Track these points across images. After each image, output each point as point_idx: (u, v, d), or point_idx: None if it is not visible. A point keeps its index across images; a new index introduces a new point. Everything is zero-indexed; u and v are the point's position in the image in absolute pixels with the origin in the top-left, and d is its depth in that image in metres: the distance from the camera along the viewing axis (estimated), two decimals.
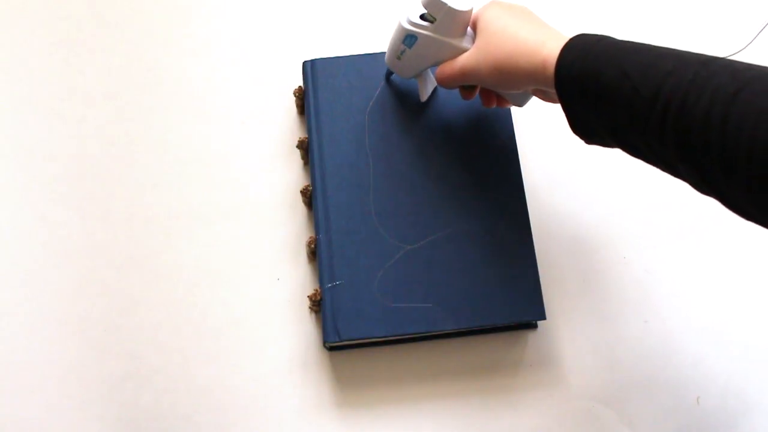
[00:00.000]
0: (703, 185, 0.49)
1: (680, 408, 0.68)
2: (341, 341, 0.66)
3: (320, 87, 0.73)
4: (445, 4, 0.62)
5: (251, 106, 0.78)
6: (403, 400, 0.68)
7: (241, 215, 0.74)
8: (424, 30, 0.64)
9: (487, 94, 0.68)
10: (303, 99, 0.75)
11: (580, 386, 0.68)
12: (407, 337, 0.68)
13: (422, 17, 0.64)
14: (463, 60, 0.63)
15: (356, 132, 0.72)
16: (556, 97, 0.56)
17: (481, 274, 0.67)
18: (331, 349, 0.69)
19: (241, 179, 0.75)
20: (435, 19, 0.63)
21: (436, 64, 0.66)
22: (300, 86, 0.75)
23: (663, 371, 0.69)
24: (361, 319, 0.66)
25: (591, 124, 0.55)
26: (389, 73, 0.73)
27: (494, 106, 0.68)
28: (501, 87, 0.64)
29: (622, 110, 0.51)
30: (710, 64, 0.48)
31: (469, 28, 0.64)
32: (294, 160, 0.75)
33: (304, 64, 0.75)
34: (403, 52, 0.66)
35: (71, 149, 0.76)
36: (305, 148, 0.73)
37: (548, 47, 0.56)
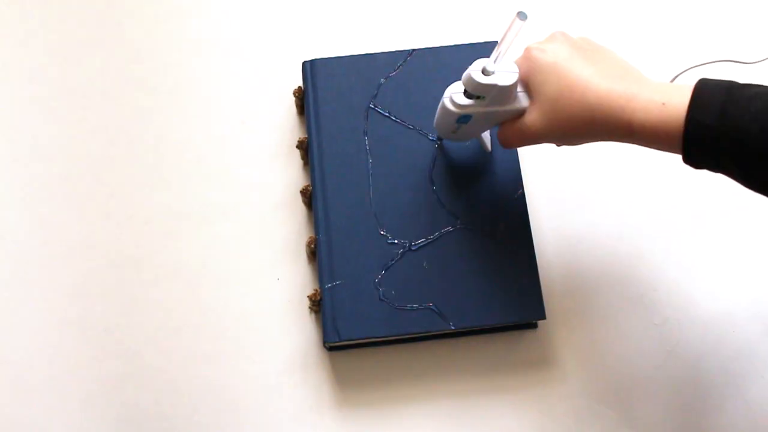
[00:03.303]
0: None
1: (680, 408, 0.68)
2: (341, 341, 0.66)
3: (320, 87, 0.73)
4: (495, 85, 0.57)
5: (251, 106, 0.78)
6: (403, 400, 0.68)
7: (241, 215, 0.74)
8: (476, 108, 0.60)
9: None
10: (303, 99, 0.75)
11: (580, 386, 0.68)
12: (407, 337, 0.68)
13: (468, 95, 0.60)
14: (530, 125, 0.57)
15: (356, 132, 0.72)
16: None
17: (481, 274, 0.67)
18: (331, 349, 0.69)
19: (241, 179, 0.75)
20: (485, 97, 0.59)
21: (497, 125, 0.63)
22: (300, 86, 0.75)
23: (663, 371, 0.69)
24: (361, 319, 0.66)
25: (718, 169, 0.51)
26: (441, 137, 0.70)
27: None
28: (568, 143, 0.58)
29: None
30: None
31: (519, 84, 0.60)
32: (294, 160, 0.76)
33: (304, 64, 0.75)
34: (458, 128, 0.63)
35: (71, 149, 0.76)
36: (305, 148, 0.73)
37: (634, 104, 0.51)
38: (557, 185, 0.75)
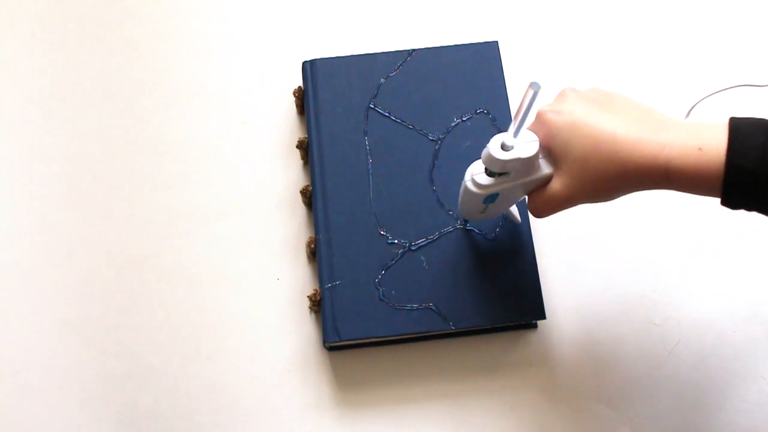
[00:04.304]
0: None
1: (680, 408, 0.68)
2: (341, 341, 0.66)
3: (320, 87, 0.73)
4: (519, 158, 0.54)
5: (251, 106, 0.78)
6: (403, 400, 0.68)
7: (241, 215, 0.74)
8: (501, 185, 0.57)
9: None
10: (303, 99, 0.75)
11: (580, 386, 0.68)
12: (407, 337, 0.68)
13: (490, 174, 0.57)
14: (561, 191, 0.55)
15: (356, 132, 0.72)
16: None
17: (481, 274, 0.67)
18: (331, 349, 0.69)
19: (241, 179, 0.75)
20: (509, 173, 0.56)
21: (524, 195, 0.60)
22: (300, 86, 0.75)
23: (663, 371, 0.69)
24: (361, 319, 0.66)
25: (758, 210, 0.50)
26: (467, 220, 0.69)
27: None
28: (600, 200, 0.55)
29: None
30: None
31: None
32: (294, 160, 0.76)
33: (304, 64, 0.75)
34: (485, 208, 0.61)
35: (71, 149, 0.76)
36: (305, 148, 0.73)
37: (668, 152, 0.49)
38: None
